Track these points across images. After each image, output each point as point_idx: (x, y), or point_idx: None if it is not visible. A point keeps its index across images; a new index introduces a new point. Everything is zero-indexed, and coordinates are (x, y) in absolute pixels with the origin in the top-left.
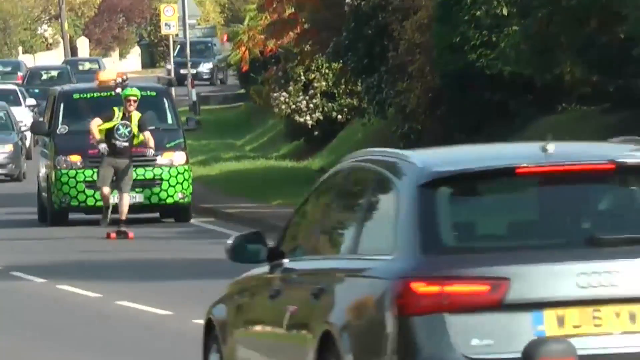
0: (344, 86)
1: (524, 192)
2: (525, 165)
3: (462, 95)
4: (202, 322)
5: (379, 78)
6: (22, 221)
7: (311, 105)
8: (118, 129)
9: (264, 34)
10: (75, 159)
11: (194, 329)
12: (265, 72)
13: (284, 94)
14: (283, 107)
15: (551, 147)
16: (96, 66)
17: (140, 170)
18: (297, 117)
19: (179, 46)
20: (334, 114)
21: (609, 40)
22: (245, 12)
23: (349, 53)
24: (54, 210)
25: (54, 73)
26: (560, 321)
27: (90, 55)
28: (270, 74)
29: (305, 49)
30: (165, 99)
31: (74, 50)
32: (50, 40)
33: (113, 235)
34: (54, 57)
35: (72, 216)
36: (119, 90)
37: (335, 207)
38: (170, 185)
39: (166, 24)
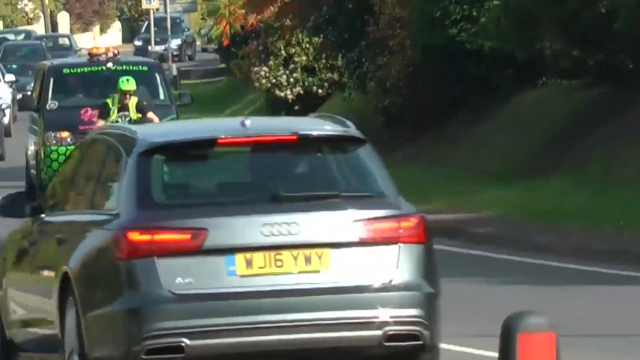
0: (324, 60)
1: (224, 159)
2: (224, 136)
3: (443, 69)
4: None
5: (360, 52)
6: None
7: (291, 80)
8: (117, 122)
9: (245, 9)
10: (65, 135)
11: None
12: (246, 47)
13: (265, 68)
14: (263, 81)
15: (248, 122)
16: (67, 42)
17: None
18: (277, 92)
19: (146, 22)
20: (315, 88)
21: (590, 15)
22: None
23: (329, 27)
24: (43, 188)
25: (29, 49)
26: (249, 263)
27: (71, 30)
28: (251, 49)
29: (286, 24)
30: (157, 74)
31: (54, 25)
32: (31, 15)
33: None
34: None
35: None
36: (110, 65)
37: (80, 171)
38: None
39: None
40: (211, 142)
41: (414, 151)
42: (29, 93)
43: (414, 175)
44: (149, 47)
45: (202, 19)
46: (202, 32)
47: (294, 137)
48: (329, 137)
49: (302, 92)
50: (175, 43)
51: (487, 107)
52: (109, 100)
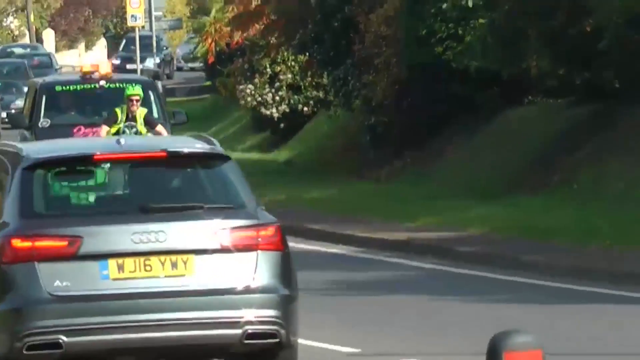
0: (310, 78)
1: (100, 173)
2: (100, 153)
3: (429, 87)
4: None
5: (345, 70)
6: None
7: (277, 98)
8: (124, 131)
9: (230, 26)
10: None
11: None
12: (231, 65)
13: (250, 86)
14: (249, 99)
15: (123, 140)
16: (48, 60)
17: None
18: (263, 110)
19: (124, 40)
20: (300, 106)
21: (576, 33)
22: (211, 4)
23: (315, 45)
24: None
25: (12, 67)
26: (120, 268)
27: (56, 47)
28: (236, 66)
29: (271, 41)
30: (151, 92)
31: (39, 42)
32: (17, 32)
33: None
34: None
35: None
36: (103, 82)
37: None
38: None
39: (132, 16)
40: (88, 158)
41: (399, 169)
42: (13, 111)
43: (400, 193)
44: (127, 66)
45: (192, 37)
46: (178, 51)
47: (164, 154)
48: (196, 154)
49: (287, 110)
50: (153, 62)
51: (473, 125)
52: (117, 110)
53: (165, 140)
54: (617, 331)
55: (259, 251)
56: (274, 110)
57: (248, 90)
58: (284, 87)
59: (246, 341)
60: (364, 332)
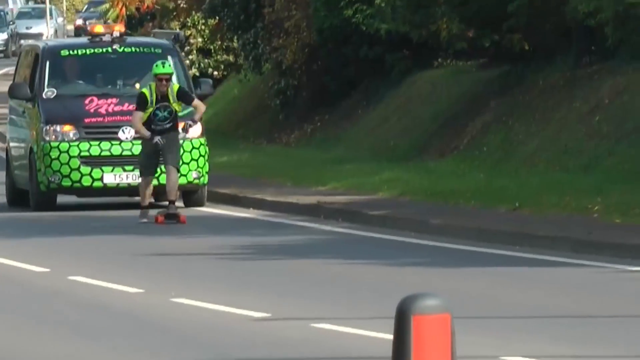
0: (220, 42)
1: None
2: None
3: (339, 51)
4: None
5: (255, 34)
6: None
7: (187, 62)
8: (156, 115)
9: None
10: (68, 129)
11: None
12: (142, 29)
13: None
14: None
15: None
16: None
17: None
18: None
19: None
20: (210, 70)
21: None
22: None
23: (225, 9)
24: (40, 192)
25: None
26: None
27: None
28: (147, 31)
29: (181, 5)
30: (170, 57)
31: None
32: None
33: (160, 218)
34: None
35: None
36: (116, 46)
37: None
38: (183, 162)
39: None
40: None
41: (309, 132)
42: None
43: (309, 157)
44: None
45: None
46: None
47: None
48: None
49: (197, 74)
50: (1, 37)
51: (382, 89)
52: (145, 90)
53: None
54: (523, 293)
55: None
56: None
57: None
58: (194, 51)
59: None
60: (274, 297)
